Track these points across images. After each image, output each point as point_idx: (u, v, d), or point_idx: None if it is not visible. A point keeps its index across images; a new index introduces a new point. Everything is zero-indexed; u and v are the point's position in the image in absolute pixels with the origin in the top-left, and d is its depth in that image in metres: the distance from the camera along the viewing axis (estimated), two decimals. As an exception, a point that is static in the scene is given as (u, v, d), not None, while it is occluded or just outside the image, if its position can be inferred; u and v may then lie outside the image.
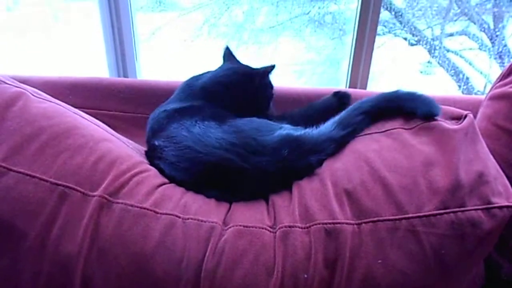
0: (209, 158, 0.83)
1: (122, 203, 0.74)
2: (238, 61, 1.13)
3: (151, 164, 0.89)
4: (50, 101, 0.88)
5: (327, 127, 0.88)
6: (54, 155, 0.76)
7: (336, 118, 0.89)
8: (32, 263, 0.72)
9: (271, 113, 1.10)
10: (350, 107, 0.91)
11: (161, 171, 0.87)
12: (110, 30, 1.49)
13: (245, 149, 0.83)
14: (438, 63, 2.07)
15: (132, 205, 0.74)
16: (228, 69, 1.07)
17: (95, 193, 0.74)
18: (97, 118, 0.96)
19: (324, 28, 1.95)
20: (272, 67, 1.01)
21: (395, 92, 0.90)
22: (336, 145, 0.85)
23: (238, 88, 1.03)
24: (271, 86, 1.10)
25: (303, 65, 2.03)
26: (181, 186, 0.84)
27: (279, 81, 1.98)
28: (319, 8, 1.89)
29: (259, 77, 1.04)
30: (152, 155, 0.90)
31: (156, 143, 0.90)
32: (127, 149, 0.88)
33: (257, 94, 1.06)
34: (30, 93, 0.86)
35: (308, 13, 1.89)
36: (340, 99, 1.14)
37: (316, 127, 0.89)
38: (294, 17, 1.87)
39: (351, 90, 1.31)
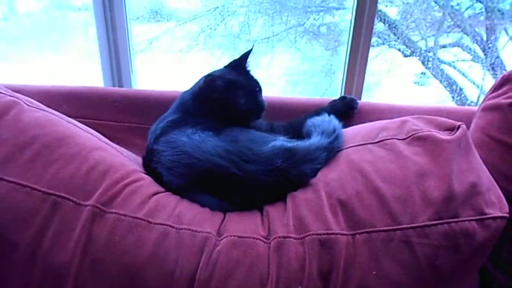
0: (204, 164, 0.83)
1: (115, 212, 0.74)
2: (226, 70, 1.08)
3: (149, 167, 0.90)
4: (44, 110, 0.88)
5: (315, 138, 0.91)
6: (46, 164, 0.76)
7: (318, 129, 0.93)
8: (22, 274, 0.71)
9: (259, 125, 1.07)
10: (319, 118, 1.00)
11: (159, 176, 0.87)
12: (106, 40, 1.49)
13: (240, 157, 0.83)
14: (432, 74, 2.09)
15: (125, 215, 0.74)
16: (200, 80, 1.06)
17: (87, 203, 0.74)
18: (91, 128, 0.96)
19: (320, 39, 1.96)
20: (206, 76, 0.99)
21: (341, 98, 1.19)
22: (326, 152, 0.86)
23: (202, 98, 1.01)
24: (236, 95, 0.99)
25: (298, 75, 2.04)
26: (178, 191, 0.85)
27: (275, 91, 2.00)
28: (314, 19, 1.91)
29: (206, 85, 1.00)
30: (150, 159, 0.91)
31: (155, 147, 0.91)
32: (120, 158, 0.88)
33: (221, 103, 0.99)
34: (24, 102, 0.86)
35: (303, 24, 1.91)
36: (347, 104, 1.18)
37: (307, 139, 0.91)
38: (289, 28, 1.89)
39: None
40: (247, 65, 1.07)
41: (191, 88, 1.07)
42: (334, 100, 1.20)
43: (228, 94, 0.99)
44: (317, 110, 1.12)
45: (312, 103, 1.25)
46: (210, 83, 0.99)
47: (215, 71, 1.05)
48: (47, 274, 0.70)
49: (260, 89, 1.05)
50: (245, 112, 1.00)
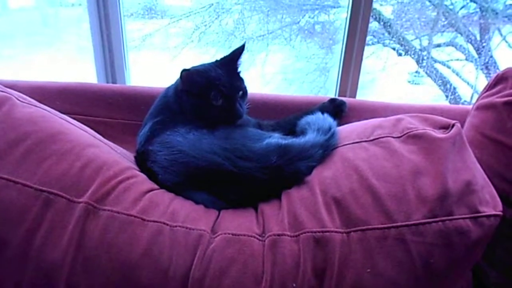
0: (200, 162, 0.83)
1: (108, 210, 0.73)
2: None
3: (143, 166, 0.89)
4: (36, 106, 0.87)
5: (310, 135, 0.90)
6: (39, 161, 0.75)
7: (313, 127, 0.93)
8: (14, 272, 0.70)
9: (246, 123, 1.04)
10: (313, 116, 0.99)
11: (153, 174, 0.86)
12: (99, 37, 1.48)
13: (235, 154, 0.83)
14: (426, 73, 2.10)
15: (118, 212, 0.73)
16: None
17: (80, 200, 0.73)
18: (85, 124, 0.95)
19: (314, 37, 1.96)
20: (182, 70, 0.94)
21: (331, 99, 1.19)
22: (322, 150, 0.86)
23: (181, 93, 1.00)
24: (212, 95, 0.95)
25: (293, 74, 2.04)
26: (173, 189, 0.84)
27: (269, 89, 1.99)
28: (309, 17, 1.91)
29: (182, 79, 0.97)
30: (144, 158, 0.90)
31: (150, 148, 0.90)
32: (114, 155, 0.87)
33: (198, 100, 0.97)
34: (16, 98, 0.85)
35: (298, 22, 1.91)
36: (336, 107, 1.17)
37: (302, 136, 0.90)
38: (284, 26, 1.89)
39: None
40: (238, 64, 1.03)
41: (175, 83, 1.05)
42: (323, 103, 1.19)
43: (204, 92, 0.95)
44: (306, 111, 1.11)
45: (308, 100, 1.25)
46: (187, 77, 0.96)
47: (198, 66, 1.01)
48: (39, 271, 0.69)
49: (243, 94, 1.00)
50: (219, 114, 0.96)
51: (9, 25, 2.01)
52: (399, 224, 0.71)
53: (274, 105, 1.24)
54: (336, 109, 1.17)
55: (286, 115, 1.15)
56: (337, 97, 1.26)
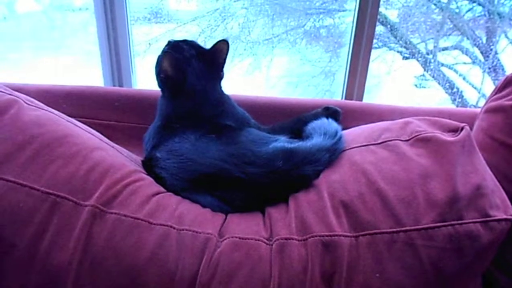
0: (209, 169, 0.83)
1: (115, 213, 0.73)
2: None
3: (151, 172, 0.89)
4: (43, 109, 0.87)
5: (317, 139, 0.89)
6: (46, 164, 0.75)
7: (319, 131, 0.92)
8: (20, 275, 0.70)
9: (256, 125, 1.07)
10: (317, 121, 0.99)
11: (161, 179, 0.86)
12: (106, 41, 1.48)
13: (242, 160, 0.83)
14: (432, 76, 2.09)
15: (125, 215, 0.73)
16: None
17: (87, 203, 0.73)
18: (91, 128, 0.95)
19: (320, 41, 1.96)
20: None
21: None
22: (329, 154, 0.85)
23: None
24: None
25: (298, 77, 2.04)
26: (180, 194, 0.84)
27: (274, 92, 1.99)
28: (314, 21, 1.91)
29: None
30: (154, 164, 0.90)
31: (158, 154, 0.91)
32: (121, 158, 0.87)
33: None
34: (23, 101, 0.85)
35: (303, 26, 1.91)
36: (330, 115, 1.11)
37: (309, 140, 0.90)
38: (289, 29, 1.89)
39: (347, 102, 1.32)
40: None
41: None
42: (317, 110, 1.15)
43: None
44: (300, 117, 1.09)
45: (314, 103, 1.25)
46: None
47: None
48: (46, 275, 0.69)
49: None
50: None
51: (17, 30, 2.02)
52: (408, 228, 0.70)
53: (279, 108, 1.24)
54: (330, 117, 1.09)
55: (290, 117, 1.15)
56: (332, 100, 1.23)
